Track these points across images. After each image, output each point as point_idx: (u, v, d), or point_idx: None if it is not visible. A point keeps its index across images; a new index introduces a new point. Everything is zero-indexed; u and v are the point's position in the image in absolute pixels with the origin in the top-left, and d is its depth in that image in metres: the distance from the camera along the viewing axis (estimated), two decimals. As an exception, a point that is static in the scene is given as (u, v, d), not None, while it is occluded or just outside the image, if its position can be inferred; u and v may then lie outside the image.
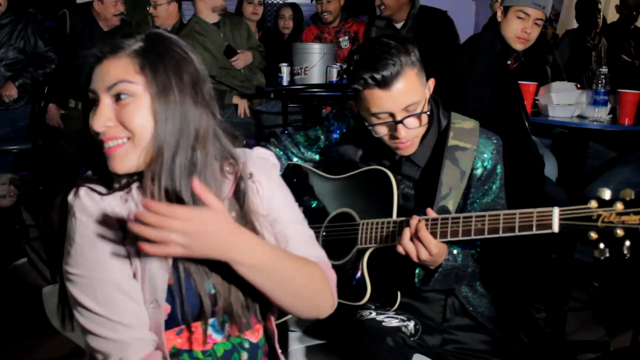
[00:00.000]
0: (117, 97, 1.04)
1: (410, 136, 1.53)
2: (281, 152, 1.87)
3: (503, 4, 2.75)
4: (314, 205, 1.74)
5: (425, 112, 1.53)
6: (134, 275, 1.07)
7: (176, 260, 1.07)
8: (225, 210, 1.03)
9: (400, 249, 1.42)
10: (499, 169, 1.61)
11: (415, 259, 1.41)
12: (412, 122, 1.51)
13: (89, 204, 1.07)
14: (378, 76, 1.45)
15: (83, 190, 1.08)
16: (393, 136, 1.53)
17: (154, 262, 1.06)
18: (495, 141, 1.61)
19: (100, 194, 1.08)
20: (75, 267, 1.06)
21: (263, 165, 1.21)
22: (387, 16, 3.64)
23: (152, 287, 1.07)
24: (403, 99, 1.48)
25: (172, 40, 1.10)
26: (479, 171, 1.58)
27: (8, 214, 3.47)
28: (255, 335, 1.18)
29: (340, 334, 1.64)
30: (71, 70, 3.89)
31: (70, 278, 1.06)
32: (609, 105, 2.73)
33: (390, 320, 1.53)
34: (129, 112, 1.03)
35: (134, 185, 1.10)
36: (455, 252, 1.51)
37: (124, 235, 1.06)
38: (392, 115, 1.50)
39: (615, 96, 2.70)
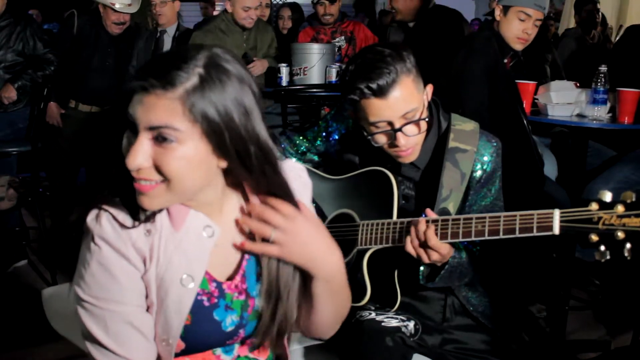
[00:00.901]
0: (159, 139, 0.95)
1: (411, 144, 1.53)
2: (279, 154, 1.86)
3: (502, 3, 2.72)
4: (313, 205, 1.74)
5: (424, 119, 1.53)
6: (148, 309, 1.05)
7: (197, 300, 1.06)
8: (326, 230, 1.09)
9: (411, 251, 1.42)
10: (498, 172, 1.61)
11: (426, 261, 1.42)
12: (411, 129, 1.51)
13: (110, 233, 1.01)
14: (374, 85, 1.45)
15: (105, 217, 1.01)
16: (393, 144, 1.52)
17: (172, 303, 1.04)
18: (495, 144, 1.61)
19: (123, 226, 1.01)
20: (87, 294, 1.02)
21: (294, 188, 1.16)
22: (399, 20, 3.67)
23: (166, 325, 1.05)
24: (400, 106, 1.47)
25: (232, 71, 0.98)
26: (478, 173, 1.58)
27: (8, 216, 3.47)
28: (262, 353, 1.18)
29: (339, 334, 1.63)
30: (74, 70, 3.89)
31: (82, 304, 1.03)
32: (609, 104, 2.73)
33: (390, 320, 1.53)
34: (169, 159, 0.95)
35: (159, 215, 1.05)
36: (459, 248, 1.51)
37: (145, 269, 1.04)
38: (390, 123, 1.50)
39: (615, 95, 2.69)
